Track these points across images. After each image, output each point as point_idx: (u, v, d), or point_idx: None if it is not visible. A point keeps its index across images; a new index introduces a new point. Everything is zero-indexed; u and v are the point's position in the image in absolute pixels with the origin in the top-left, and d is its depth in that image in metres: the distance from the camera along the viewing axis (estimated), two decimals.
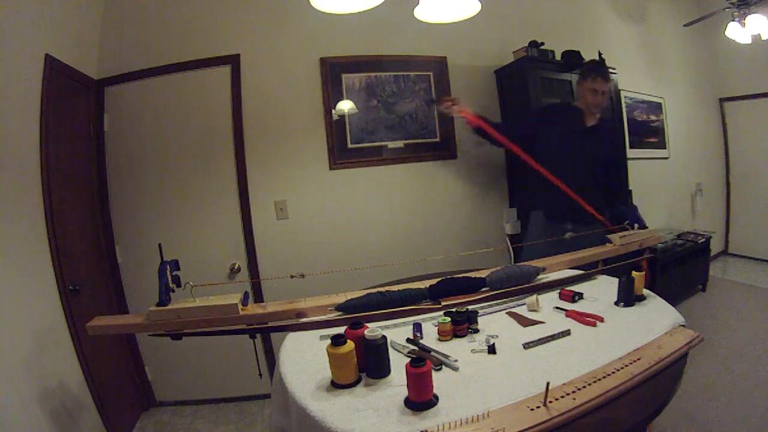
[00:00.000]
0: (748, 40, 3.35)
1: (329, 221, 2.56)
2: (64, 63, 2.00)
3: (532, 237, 2.17)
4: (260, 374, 1.47)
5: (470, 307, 1.25)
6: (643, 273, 1.31)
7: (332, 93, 2.53)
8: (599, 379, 0.89)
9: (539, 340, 1.09)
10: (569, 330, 1.13)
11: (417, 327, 1.21)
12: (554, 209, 2.19)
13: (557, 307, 1.30)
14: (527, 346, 1.07)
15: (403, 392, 0.87)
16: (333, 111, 2.53)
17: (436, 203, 2.78)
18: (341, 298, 1.33)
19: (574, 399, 0.82)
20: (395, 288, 1.39)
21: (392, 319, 1.28)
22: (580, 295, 1.36)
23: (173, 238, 2.37)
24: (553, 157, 2.06)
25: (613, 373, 0.91)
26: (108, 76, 2.31)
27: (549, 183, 1.95)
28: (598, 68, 2.17)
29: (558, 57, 2.89)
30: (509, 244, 2.84)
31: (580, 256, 1.62)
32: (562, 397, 0.83)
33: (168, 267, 1.21)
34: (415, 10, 1.58)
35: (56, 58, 1.93)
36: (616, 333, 1.12)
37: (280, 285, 2.45)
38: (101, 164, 2.32)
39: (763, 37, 3.24)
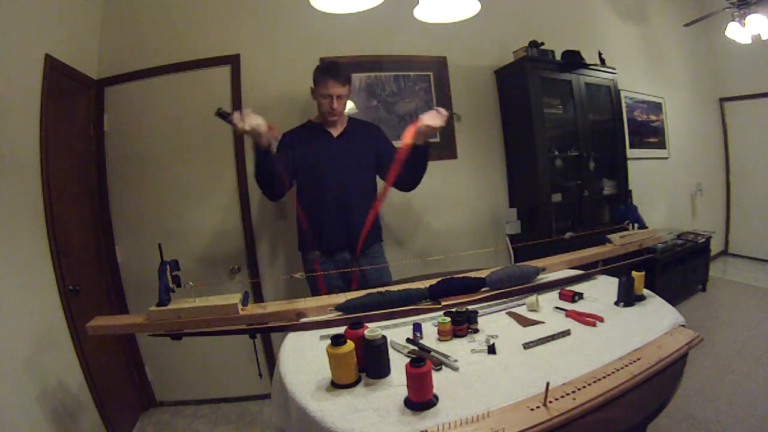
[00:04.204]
0: (748, 40, 3.35)
1: None
2: (64, 63, 2.00)
3: (321, 280, 1.84)
4: (260, 374, 1.48)
5: (470, 307, 1.25)
6: (643, 273, 1.31)
7: None
8: (599, 379, 0.88)
9: (539, 340, 1.09)
10: (569, 330, 1.13)
11: (417, 327, 1.20)
12: (330, 242, 1.91)
13: (557, 307, 1.29)
14: (527, 346, 1.07)
15: (403, 392, 0.87)
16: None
17: (436, 203, 2.78)
18: (341, 298, 1.33)
19: (574, 399, 0.82)
20: (395, 288, 1.39)
21: (392, 319, 1.28)
22: (580, 295, 1.36)
23: (173, 237, 2.37)
24: (314, 184, 1.88)
25: (613, 373, 0.91)
26: (108, 76, 2.31)
27: (319, 216, 1.86)
28: (330, 70, 1.87)
29: (558, 57, 2.90)
30: (509, 244, 2.85)
31: (580, 256, 1.62)
32: (562, 397, 0.83)
33: (168, 267, 1.22)
34: (414, 11, 1.58)
35: (56, 58, 1.93)
36: (616, 333, 1.11)
37: (280, 285, 2.47)
38: (101, 164, 2.32)
39: (763, 37, 3.24)
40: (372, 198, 2.00)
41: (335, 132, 1.97)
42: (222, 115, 1.40)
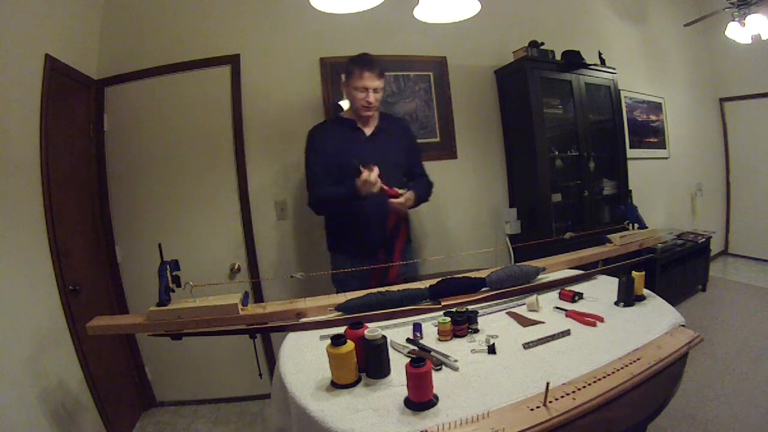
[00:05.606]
0: (748, 40, 3.35)
1: None
2: (64, 63, 2.00)
3: (345, 280, 1.74)
4: (260, 374, 1.47)
5: (470, 307, 1.25)
6: (643, 273, 1.31)
7: (332, 93, 2.53)
8: (599, 379, 0.89)
9: (539, 340, 1.09)
10: (569, 330, 1.13)
11: (417, 327, 1.21)
12: (363, 244, 1.87)
13: (557, 307, 1.29)
14: (527, 346, 1.07)
15: (403, 392, 0.87)
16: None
17: (436, 203, 2.77)
18: (341, 298, 1.33)
19: (574, 399, 0.82)
20: (395, 288, 1.39)
21: (392, 319, 1.28)
22: (580, 295, 1.36)
23: (173, 237, 2.37)
24: (348, 181, 1.76)
25: (613, 373, 0.91)
26: (108, 76, 2.31)
27: (350, 216, 1.81)
28: (365, 60, 1.79)
29: (558, 57, 2.90)
30: (509, 244, 2.85)
31: (580, 256, 1.62)
32: (562, 397, 0.83)
33: (168, 267, 1.21)
34: (414, 11, 1.58)
35: (56, 58, 1.93)
36: (616, 333, 1.11)
37: (280, 285, 2.47)
38: (101, 164, 2.32)
39: (763, 37, 3.24)
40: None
41: (368, 130, 1.89)
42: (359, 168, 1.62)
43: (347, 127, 1.89)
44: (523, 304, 1.33)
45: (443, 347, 1.09)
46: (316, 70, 2.52)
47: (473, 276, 1.43)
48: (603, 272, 1.57)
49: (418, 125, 2.72)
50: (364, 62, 1.78)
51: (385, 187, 1.71)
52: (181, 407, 2.49)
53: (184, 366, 2.48)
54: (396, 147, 1.94)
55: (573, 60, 2.90)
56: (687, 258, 3.51)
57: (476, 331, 1.17)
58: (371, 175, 1.62)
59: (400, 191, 1.75)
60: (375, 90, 1.79)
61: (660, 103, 4.04)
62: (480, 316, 1.23)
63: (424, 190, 1.98)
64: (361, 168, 1.63)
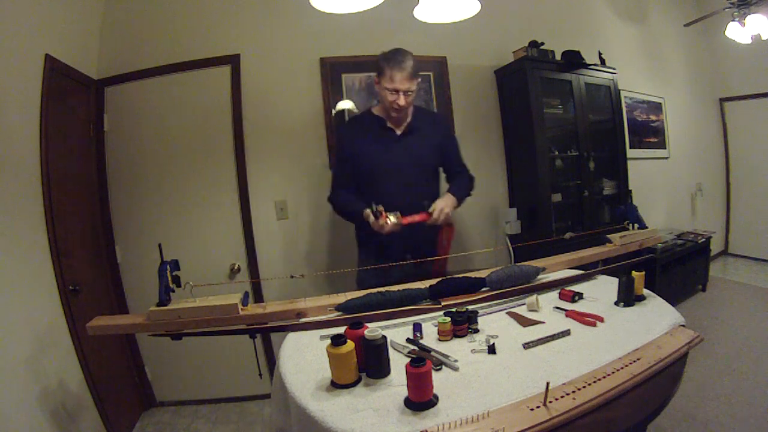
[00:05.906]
0: (748, 40, 3.35)
1: (329, 221, 2.56)
2: (64, 63, 2.00)
3: (368, 277, 1.67)
4: (260, 374, 1.47)
5: (470, 307, 1.25)
6: (643, 273, 1.31)
7: (332, 93, 2.53)
8: (599, 379, 0.88)
9: (539, 340, 1.09)
10: (569, 330, 1.13)
11: (417, 327, 1.21)
12: (390, 246, 1.77)
13: (557, 307, 1.29)
14: (527, 346, 1.07)
15: (403, 392, 0.87)
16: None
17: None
18: (341, 298, 1.33)
19: (574, 399, 0.82)
20: (395, 288, 1.39)
21: (392, 319, 1.28)
22: (580, 295, 1.36)
23: (173, 238, 2.37)
24: (375, 183, 1.71)
25: (613, 373, 0.91)
26: (108, 76, 2.31)
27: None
28: (396, 60, 1.65)
29: (558, 57, 2.90)
30: (509, 244, 2.84)
31: (580, 256, 1.62)
32: (562, 397, 0.83)
33: (168, 267, 1.21)
34: (414, 11, 1.58)
35: (56, 58, 1.94)
36: (616, 333, 1.11)
37: (280, 285, 2.47)
38: (101, 164, 2.32)
39: (763, 37, 3.24)
40: (435, 199, 1.80)
41: (399, 129, 1.80)
42: (375, 213, 1.59)
43: (378, 126, 1.80)
44: (523, 304, 1.33)
45: (443, 347, 1.09)
46: (316, 70, 2.52)
47: (473, 276, 1.43)
48: (603, 272, 1.57)
49: None
50: (395, 62, 1.65)
51: (410, 220, 1.62)
52: (181, 407, 2.49)
53: (184, 366, 2.48)
54: (429, 146, 1.84)
55: (573, 60, 2.90)
56: (687, 258, 3.51)
57: (476, 331, 1.17)
58: (386, 226, 1.57)
59: (433, 206, 1.66)
60: (406, 93, 1.68)
61: (660, 103, 4.04)
62: (480, 316, 1.23)
63: (464, 188, 1.90)
64: (381, 212, 1.56)
